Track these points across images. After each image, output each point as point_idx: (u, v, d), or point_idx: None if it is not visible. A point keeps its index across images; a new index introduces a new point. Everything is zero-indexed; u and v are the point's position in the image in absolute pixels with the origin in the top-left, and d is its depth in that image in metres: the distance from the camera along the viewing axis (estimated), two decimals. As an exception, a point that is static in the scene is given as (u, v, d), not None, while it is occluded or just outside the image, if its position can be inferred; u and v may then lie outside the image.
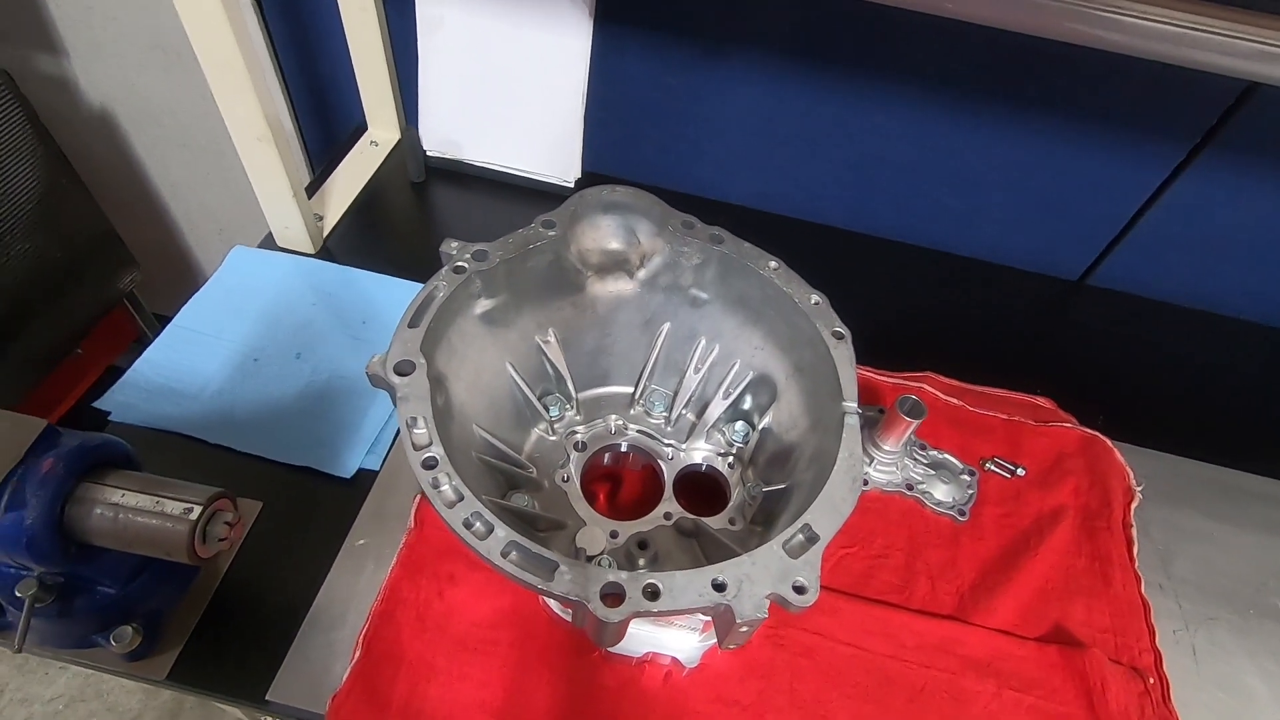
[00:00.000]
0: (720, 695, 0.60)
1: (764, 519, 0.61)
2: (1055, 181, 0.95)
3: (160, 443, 0.72)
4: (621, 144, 1.05)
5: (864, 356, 0.57)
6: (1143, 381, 0.91)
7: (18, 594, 0.52)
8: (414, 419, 0.48)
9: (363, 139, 1.07)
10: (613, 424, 0.68)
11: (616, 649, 0.61)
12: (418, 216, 1.02)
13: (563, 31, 0.91)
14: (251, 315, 0.84)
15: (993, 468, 0.77)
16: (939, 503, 0.73)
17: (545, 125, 0.98)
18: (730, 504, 0.64)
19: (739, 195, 1.07)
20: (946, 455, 0.76)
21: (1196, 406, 0.89)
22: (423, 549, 0.65)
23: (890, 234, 1.04)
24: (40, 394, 1.17)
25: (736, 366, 0.66)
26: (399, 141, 1.06)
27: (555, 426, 0.66)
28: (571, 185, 1.02)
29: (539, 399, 0.65)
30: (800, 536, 0.46)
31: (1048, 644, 0.65)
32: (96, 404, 0.74)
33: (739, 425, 0.67)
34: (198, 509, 0.51)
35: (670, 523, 0.62)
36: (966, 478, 0.75)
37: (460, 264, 0.57)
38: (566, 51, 0.92)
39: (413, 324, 0.52)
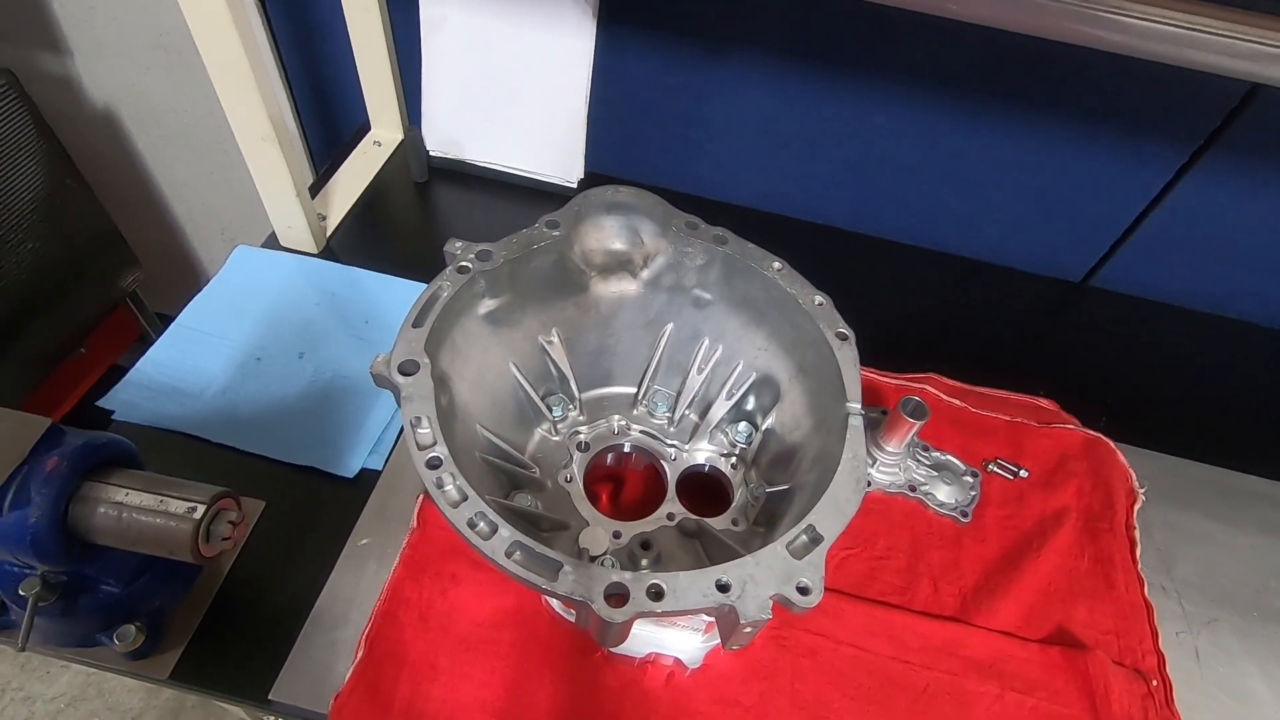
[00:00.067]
0: (722, 696, 0.60)
1: (766, 520, 0.61)
2: (1058, 183, 0.95)
3: (163, 442, 0.72)
4: (624, 144, 1.05)
5: (867, 357, 0.56)
6: (1145, 383, 0.91)
7: (21, 592, 0.52)
8: (418, 419, 0.48)
9: (366, 139, 1.07)
10: (616, 424, 0.68)
11: (619, 649, 0.61)
12: (420, 216, 1.02)
13: (565, 32, 0.91)
14: (254, 315, 0.84)
15: (995, 469, 0.76)
16: (942, 504, 0.73)
17: (548, 125, 0.98)
18: (733, 505, 0.64)
19: (741, 196, 1.07)
20: (949, 457, 0.76)
21: (1199, 408, 0.89)
22: (425, 549, 0.66)
23: (893, 235, 1.04)
24: (43, 393, 1.17)
25: (740, 367, 0.66)
26: (402, 141, 1.07)
27: (558, 426, 0.66)
28: (574, 185, 1.02)
29: (542, 399, 0.65)
30: (804, 538, 0.46)
31: (1050, 646, 0.65)
32: (100, 403, 0.74)
33: (742, 426, 0.66)
34: (201, 508, 0.51)
35: (673, 523, 0.62)
36: (969, 479, 0.75)
37: (464, 264, 0.57)
38: (569, 52, 0.92)
39: (417, 324, 0.52)
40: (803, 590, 0.44)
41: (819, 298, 0.59)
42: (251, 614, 0.62)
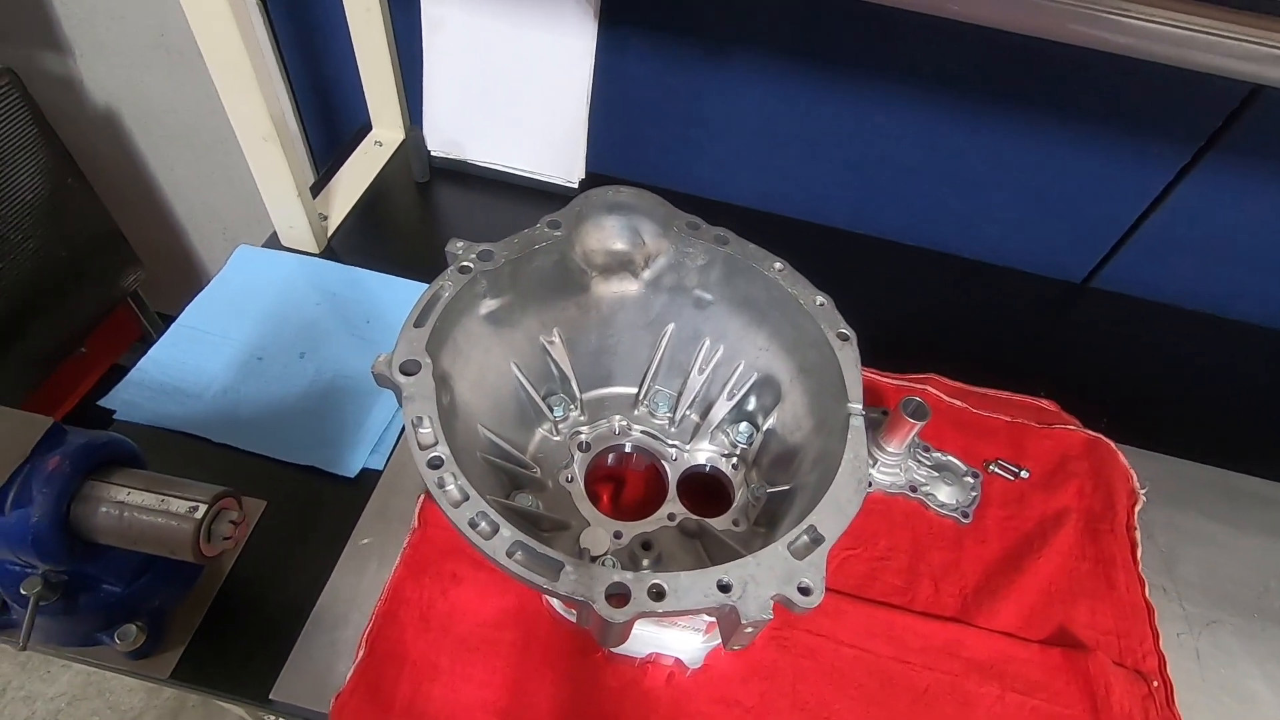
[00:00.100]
0: (723, 696, 0.60)
1: (767, 520, 0.61)
2: (1059, 183, 0.95)
3: (164, 441, 0.72)
4: (625, 144, 1.05)
5: (868, 358, 0.57)
6: (1147, 384, 0.90)
7: (23, 592, 0.52)
8: (419, 418, 0.48)
9: (367, 139, 1.07)
10: (616, 424, 0.68)
11: (620, 650, 0.61)
12: (422, 216, 1.02)
13: (566, 32, 0.91)
14: (256, 314, 0.84)
15: (996, 470, 0.76)
16: (942, 505, 0.73)
17: (549, 126, 0.98)
18: (734, 505, 0.64)
19: (742, 196, 1.07)
20: (950, 457, 0.76)
21: (1201, 409, 0.89)
22: (426, 548, 0.66)
23: (894, 235, 1.04)
24: (44, 392, 1.17)
25: (741, 367, 0.66)
26: (403, 141, 1.07)
27: (559, 427, 0.66)
28: (575, 186, 1.02)
29: (543, 399, 0.65)
30: (805, 538, 0.46)
31: (1051, 647, 0.65)
32: (101, 402, 0.74)
33: (743, 426, 0.66)
34: (203, 508, 0.52)
35: (674, 523, 0.62)
36: (970, 480, 0.75)
37: (466, 264, 0.57)
38: (570, 52, 0.92)
39: (418, 323, 0.52)
40: (804, 590, 0.44)
41: (820, 298, 0.59)
42: (252, 614, 0.62)
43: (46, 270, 1.09)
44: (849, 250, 1.04)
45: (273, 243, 0.93)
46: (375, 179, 1.03)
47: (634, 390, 0.69)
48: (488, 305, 0.60)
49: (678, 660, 0.61)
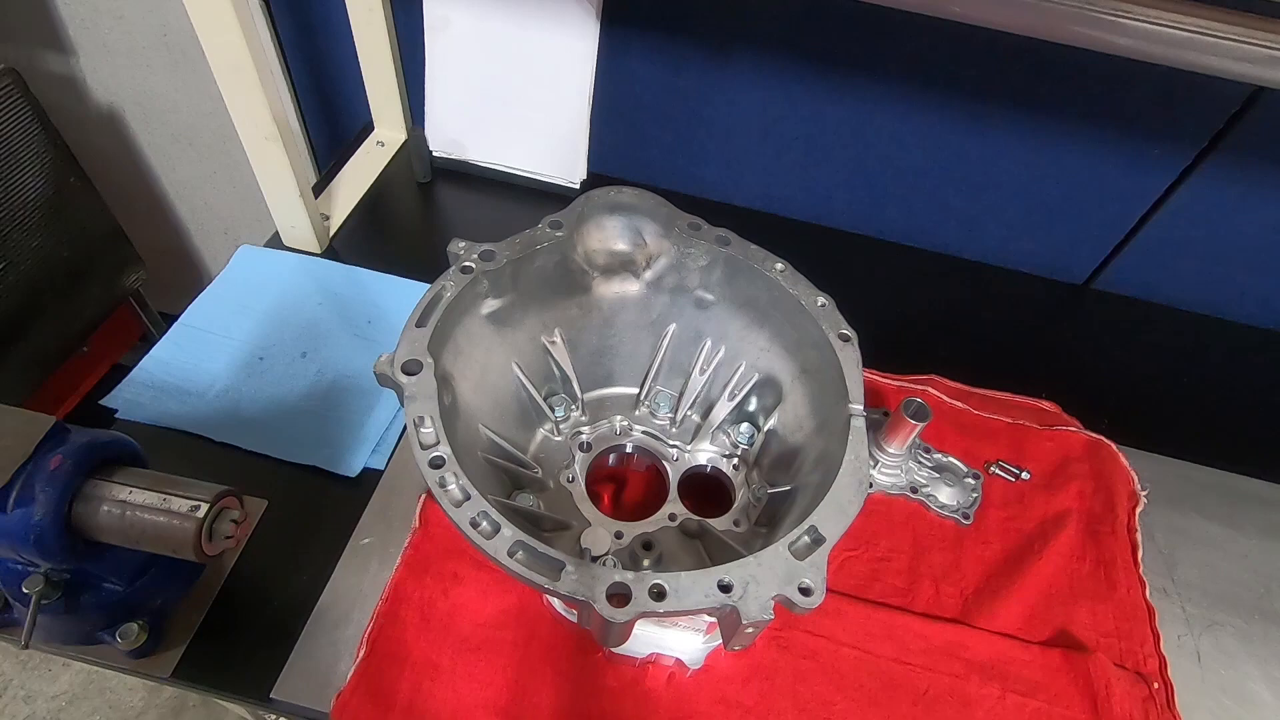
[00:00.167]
0: (724, 697, 0.60)
1: (768, 521, 0.61)
2: (1061, 185, 0.95)
3: (166, 440, 0.72)
4: (627, 145, 1.05)
5: (869, 359, 0.57)
6: (1148, 386, 0.90)
7: (25, 590, 0.52)
8: (421, 418, 0.48)
9: (369, 139, 1.07)
10: (618, 425, 0.68)
11: (620, 650, 0.61)
12: (423, 217, 1.02)
13: (569, 33, 0.91)
14: (257, 314, 0.84)
15: (997, 471, 0.76)
16: (943, 506, 0.73)
17: (551, 126, 0.99)
18: (735, 505, 0.64)
19: (745, 197, 1.07)
20: (951, 458, 0.76)
21: (1202, 411, 0.89)
22: (427, 548, 0.66)
23: (896, 237, 1.05)
24: (46, 391, 1.17)
25: (742, 368, 0.66)
26: (405, 142, 1.07)
27: (560, 427, 0.66)
28: (577, 186, 1.02)
29: (544, 399, 0.65)
30: (806, 538, 0.47)
31: (1052, 648, 0.65)
32: (103, 401, 0.74)
33: (744, 427, 0.67)
34: (204, 507, 0.52)
35: (675, 524, 0.62)
36: (971, 481, 0.75)
37: (467, 264, 0.57)
38: (572, 53, 0.92)
39: (420, 323, 0.53)
40: (805, 591, 0.44)
41: (821, 299, 0.59)
42: (254, 613, 0.63)
43: (49, 269, 1.09)
44: (851, 251, 1.04)
45: (275, 242, 0.93)
46: (377, 179, 1.03)
47: (635, 390, 0.69)
48: (489, 305, 0.60)
49: (678, 661, 0.61)
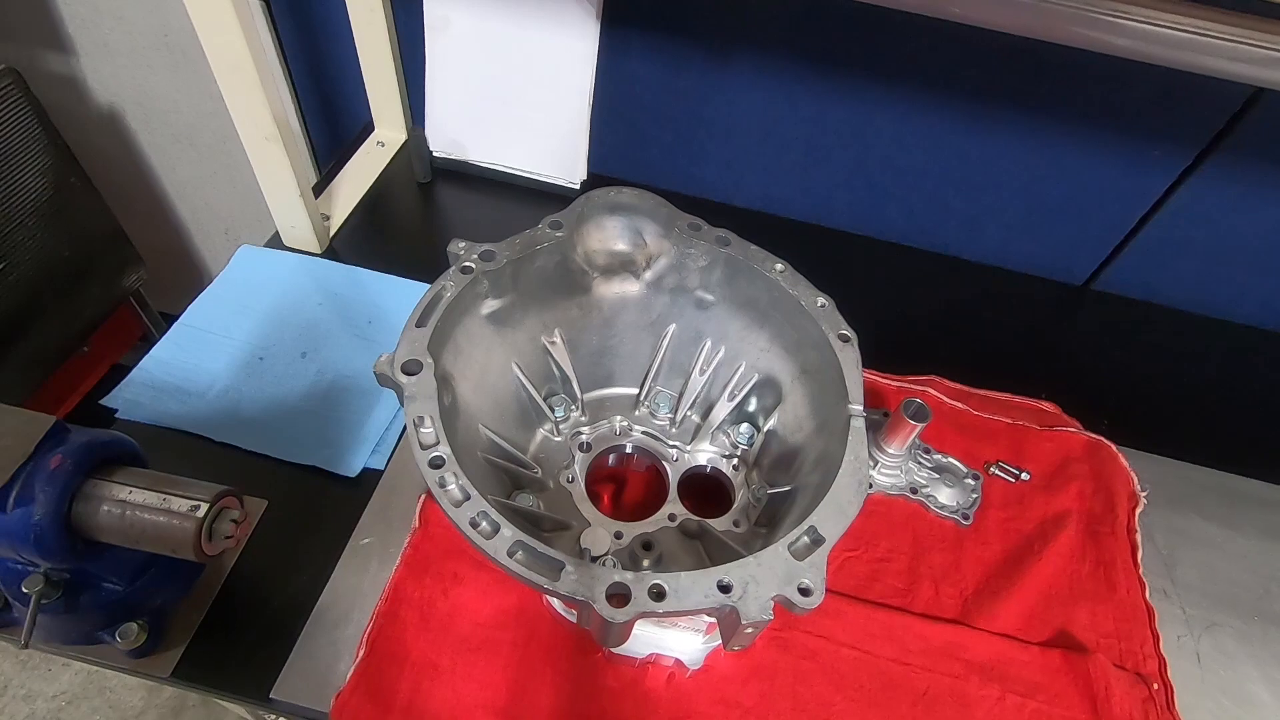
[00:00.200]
0: (723, 697, 0.60)
1: (768, 521, 0.61)
2: (1061, 185, 0.95)
3: (166, 440, 0.72)
4: (628, 146, 1.05)
5: (869, 359, 0.57)
6: (1148, 386, 0.90)
7: (24, 590, 0.52)
8: (420, 418, 0.48)
9: (369, 139, 1.07)
10: (617, 425, 0.68)
11: (620, 650, 0.61)
12: (423, 217, 1.02)
13: (569, 33, 0.91)
14: (257, 314, 0.84)
15: (997, 472, 0.76)
16: (943, 506, 0.73)
17: (551, 126, 0.99)
18: (735, 506, 0.64)
19: (745, 198, 1.07)
20: (951, 459, 0.76)
21: (1202, 412, 0.89)
22: (427, 548, 0.66)
23: (896, 237, 1.05)
24: (47, 391, 1.17)
25: (742, 368, 0.66)
26: (405, 142, 1.07)
27: (560, 427, 0.66)
28: (577, 186, 1.02)
29: (544, 399, 0.65)
30: (806, 539, 0.47)
31: (1052, 649, 0.65)
32: (103, 401, 0.74)
33: (744, 427, 0.67)
34: (204, 506, 0.52)
35: (674, 524, 0.62)
36: (971, 482, 0.75)
37: (467, 264, 0.57)
38: (572, 53, 0.92)
39: (420, 323, 0.53)
40: (804, 591, 0.44)
41: (821, 299, 0.59)
42: (253, 613, 0.63)
43: (49, 269, 1.09)
44: (851, 252, 1.04)
45: (275, 242, 0.93)
46: (377, 179, 1.03)
47: (635, 391, 0.69)
48: (489, 305, 0.60)
49: (678, 661, 0.61)
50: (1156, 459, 0.80)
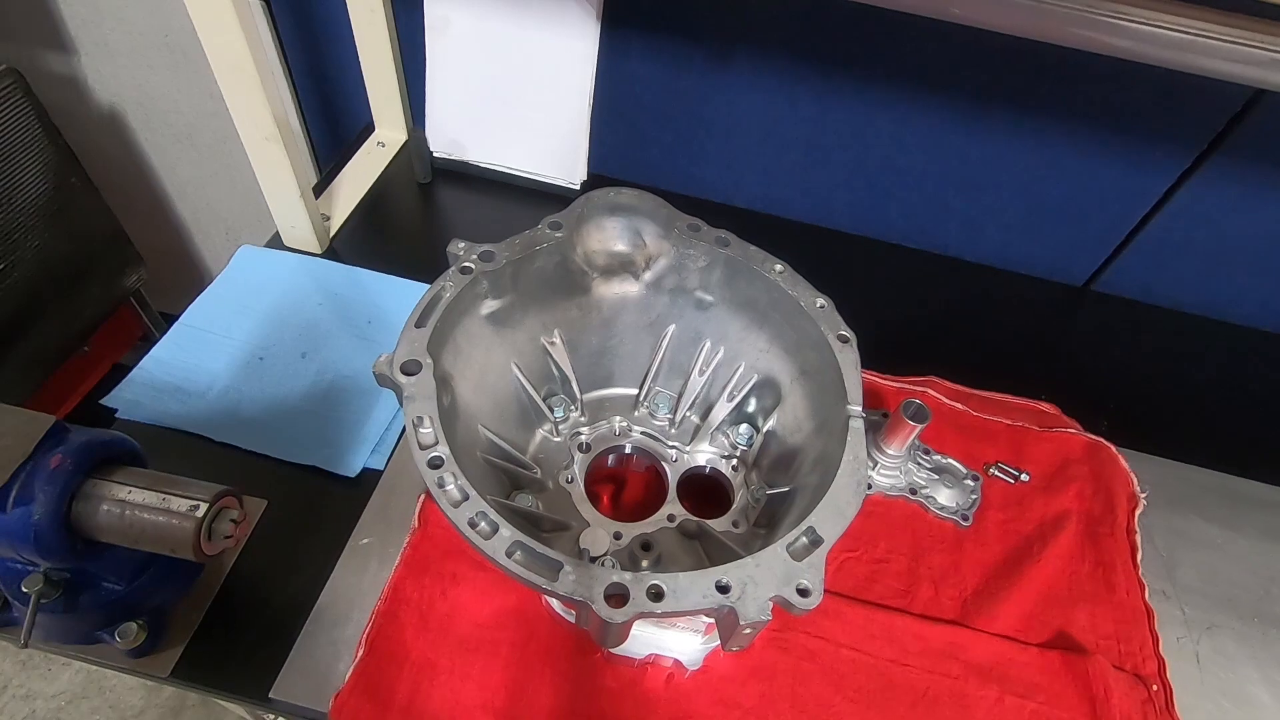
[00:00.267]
0: (722, 698, 0.60)
1: (767, 522, 0.61)
2: (1061, 186, 0.95)
3: (166, 440, 0.72)
4: (628, 146, 1.05)
5: (868, 360, 0.57)
6: (1147, 387, 0.90)
7: (24, 589, 0.52)
8: (420, 418, 0.48)
9: (370, 139, 1.07)
10: (617, 425, 0.68)
11: (619, 650, 0.61)
12: (424, 217, 1.02)
13: (569, 34, 0.91)
14: (258, 314, 0.84)
15: (996, 473, 0.76)
16: (942, 507, 0.73)
17: (551, 127, 0.99)
18: (734, 506, 0.64)
19: (745, 199, 1.07)
20: (950, 460, 0.76)
21: (1201, 413, 0.89)
22: (427, 548, 0.66)
23: (896, 238, 1.05)
24: (47, 391, 1.18)
25: (741, 369, 0.66)
26: (406, 142, 1.07)
27: (560, 427, 0.66)
28: (577, 187, 1.02)
29: (544, 400, 0.65)
30: (804, 539, 0.47)
31: (1051, 650, 0.65)
32: (104, 401, 0.74)
33: (743, 428, 0.67)
34: (203, 506, 0.52)
35: (674, 524, 0.62)
36: (970, 483, 0.75)
37: (467, 264, 0.57)
38: (573, 54, 0.93)
39: (419, 324, 0.53)
40: (803, 592, 0.44)
41: (821, 300, 0.59)
42: (253, 613, 0.63)
43: (49, 269, 1.09)
44: (850, 253, 1.04)
45: (275, 243, 0.93)
46: (377, 180, 1.03)
47: (634, 391, 0.69)
48: (489, 306, 0.60)
49: (677, 661, 0.61)
50: (1156, 460, 0.80)
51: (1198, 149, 0.87)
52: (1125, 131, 0.87)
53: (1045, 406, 0.83)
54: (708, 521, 0.62)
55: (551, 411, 0.66)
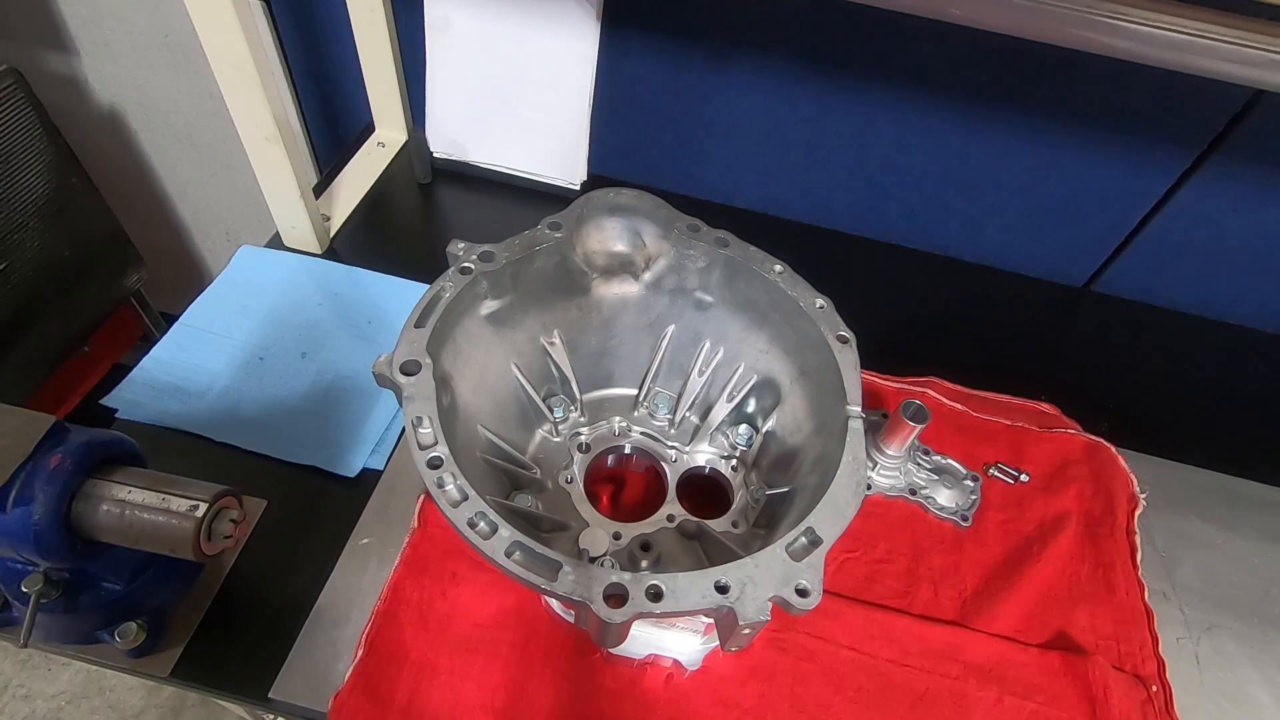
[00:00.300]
0: (722, 698, 0.60)
1: (767, 522, 0.61)
2: (1061, 187, 0.95)
3: (166, 440, 0.72)
4: (628, 147, 1.05)
5: (868, 361, 0.57)
6: (1147, 388, 0.90)
7: (24, 589, 0.52)
8: (419, 418, 0.48)
9: (370, 140, 1.07)
10: (616, 426, 0.68)
11: (618, 651, 0.61)
12: (424, 218, 1.02)
13: (569, 34, 0.91)
14: (258, 314, 0.84)
15: (996, 473, 0.76)
16: (942, 508, 0.73)
17: (551, 127, 0.99)
18: (733, 507, 0.64)
19: (745, 199, 1.07)
20: (950, 460, 0.76)
21: (1201, 413, 0.88)
22: (426, 548, 0.66)
23: (895, 239, 1.05)
24: (47, 391, 1.18)
25: (741, 369, 0.66)
26: (406, 143, 1.07)
27: (559, 428, 0.66)
28: (577, 187, 1.02)
29: (543, 400, 0.65)
30: (803, 539, 0.47)
31: (1050, 650, 0.65)
32: (104, 401, 0.74)
33: (742, 428, 0.67)
34: (203, 506, 0.52)
35: (673, 525, 0.62)
36: (970, 483, 0.75)
37: (467, 265, 0.57)
38: (573, 54, 0.93)
39: (419, 324, 0.53)
40: (802, 592, 0.44)
41: (820, 301, 0.59)
42: (252, 613, 0.63)
43: (50, 269, 1.09)
44: (850, 253, 1.04)
45: (275, 243, 0.93)
46: (378, 180, 1.03)
47: (634, 392, 0.69)
48: (488, 306, 0.60)
49: (676, 661, 0.61)
50: (1156, 461, 0.80)
51: (1197, 149, 0.87)
52: (1125, 132, 0.87)
53: (1045, 407, 0.83)
54: (707, 522, 0.62)
55: (551, 412, 0.66)
